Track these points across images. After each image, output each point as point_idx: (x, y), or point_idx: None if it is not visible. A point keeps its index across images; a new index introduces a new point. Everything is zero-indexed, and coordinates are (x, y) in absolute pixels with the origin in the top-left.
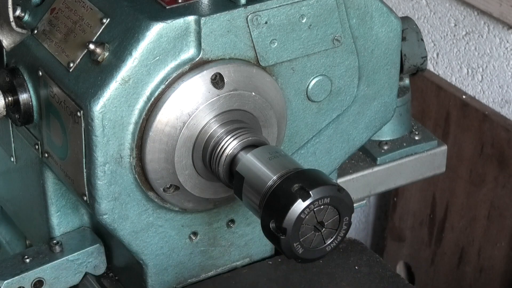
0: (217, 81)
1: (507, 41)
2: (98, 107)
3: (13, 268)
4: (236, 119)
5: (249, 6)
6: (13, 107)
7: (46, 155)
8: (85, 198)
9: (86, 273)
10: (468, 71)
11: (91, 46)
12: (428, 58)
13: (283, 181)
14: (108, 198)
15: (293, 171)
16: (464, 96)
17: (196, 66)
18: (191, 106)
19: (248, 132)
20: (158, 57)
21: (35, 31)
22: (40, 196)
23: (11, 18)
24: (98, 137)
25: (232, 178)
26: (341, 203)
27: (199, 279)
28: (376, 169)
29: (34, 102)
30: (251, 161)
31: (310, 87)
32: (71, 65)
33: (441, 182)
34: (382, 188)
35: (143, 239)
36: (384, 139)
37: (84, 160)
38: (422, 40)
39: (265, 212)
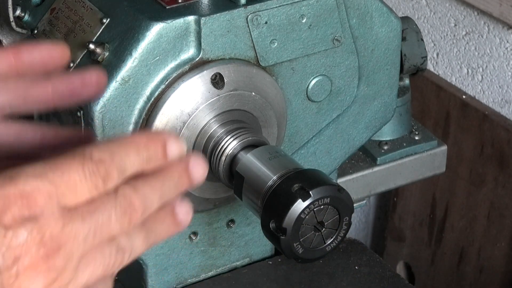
0: (217, 81)
1: (507, 41)
2: (98, 107)
3: None
4: (236, 119)
5: (249, 6)
6: None
7: None
8: None
9: None
10: (468, 71)
11: (91, 46)
12: (428, 58)
13: (283, 181)
14: None
15: (293, 171)
16: (464, 96)
17: (196, 66)
18: (191, 106)
19: (248, 132)
20: (158, 57)
21: (35, 31)
22: None
23: (11, 18)
24: (98, 137)
25: (232, 178)
26: (341, 203)
27: (199, 279)
28: (376, 169)
29: None
30: (251, 161)
31: (310, 87)
32: (71, 65)
33: (441, 182)
34: (382, 188)
35: None
36: (384, 139)
37: None
38: (422, 40)
39: (265, 212)
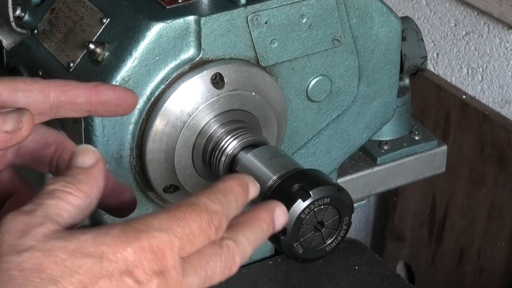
0: (217, 81)
1: (507, 41)
2: None
3: None
4: (236, 119)
5: (249, 6)
6: None
7: None
8: None
9: None
10: (468, 71)
11: (91, 46)
12: (428, 58)
13: (283, 181)
14: None
15: (293, 171)
16: (464, 96)
17: (196, 66)
18: (191, 106)
19: (248, 132)
20: (158, 57)
21: (35, 31)
22: None
23: (11, 18)
24: (98, 137)
25: None
26: (341, 203)
27: None
28: (376, 169)
29: None
30: (251, 161)
31: (310, 87)
32: (71, 65)
33: (441, 182)
34: (382, 188)
35: None
36: (384, 139)
37: None
38: (422, 40)
39: None
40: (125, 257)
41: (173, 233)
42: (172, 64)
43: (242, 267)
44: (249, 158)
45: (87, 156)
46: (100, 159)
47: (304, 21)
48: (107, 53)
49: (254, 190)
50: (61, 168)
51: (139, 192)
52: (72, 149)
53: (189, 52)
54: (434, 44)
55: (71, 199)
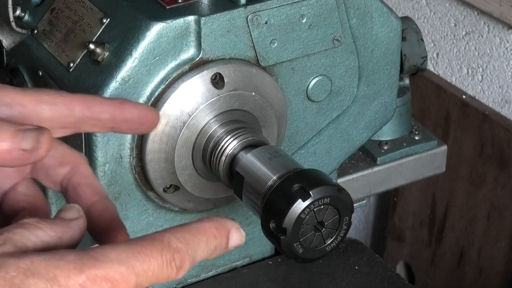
0: (217, 81)
1: (507, 41)
2: None
3: None
4: (236, 119)
5: (249, 6)
6: None
7: None
8: None
9: None
10: (468, 71)
11: (91, 46)
12: (428, 58)
13: (283, 181)
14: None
15: (293, 171)
16: (464, 96)
17: (196, 66)
18: (191, 106)
19: (248, 132)
20: (158, 57)
21: (35, 31)
22: None
23: (11, 18)
24: (98, 137)
25: (232, 178)
26: (341, 203)
27: (199, 279)
28: (376, 169)
29: None
30: (251, 161)
31: (310, 87)
32: (71, 65)
33: (441, 182)
34: (382, 188)
35: None
36: (384, 139)
37: None
38: (422, 40)
39: (265, 212)
40: (78, 283)
41: (131, 266)
42: (172, 64)
43: (242, 267)
44: (249, 158)
45: (70, 211)
46: (82, 216)
47: (304, 21)
48: (107, 53)
49: (237, 237)
50: (69, 192)
51: (139, 192)
52: (86, 175)
53: (189, 52)
54: (434, 44)
55: (39, 234)
